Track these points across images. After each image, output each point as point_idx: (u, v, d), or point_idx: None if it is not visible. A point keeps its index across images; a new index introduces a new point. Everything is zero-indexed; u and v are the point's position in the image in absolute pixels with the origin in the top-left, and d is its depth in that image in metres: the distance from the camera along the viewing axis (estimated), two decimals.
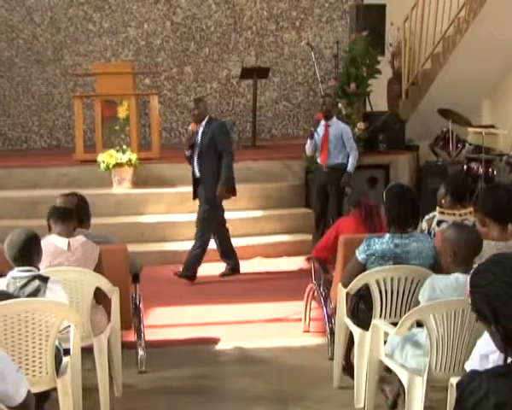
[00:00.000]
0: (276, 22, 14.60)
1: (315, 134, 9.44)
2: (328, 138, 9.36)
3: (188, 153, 8.77)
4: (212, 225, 8.72)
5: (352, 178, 9.42)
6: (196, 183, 8.81)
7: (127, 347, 5.96)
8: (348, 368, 5.57)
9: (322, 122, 9.46)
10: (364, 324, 5.13)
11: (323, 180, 9.51)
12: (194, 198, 8.86)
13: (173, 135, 14.70)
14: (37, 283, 4.40)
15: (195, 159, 8.72)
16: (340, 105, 10.66)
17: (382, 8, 12.12)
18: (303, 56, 14.49)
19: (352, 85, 10.90)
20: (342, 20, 14.46)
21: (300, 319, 6.89)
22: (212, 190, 8.59)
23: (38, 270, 4.54)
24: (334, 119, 9.52)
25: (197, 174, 8.74)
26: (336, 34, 14.30)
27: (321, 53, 14.26)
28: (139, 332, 6.07)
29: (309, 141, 9.51)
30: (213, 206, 8.67)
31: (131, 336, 6.12)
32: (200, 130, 8.67)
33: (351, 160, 9.38)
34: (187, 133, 9.12)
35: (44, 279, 4.43)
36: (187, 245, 9.35)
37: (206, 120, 8.69)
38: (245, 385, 5.77)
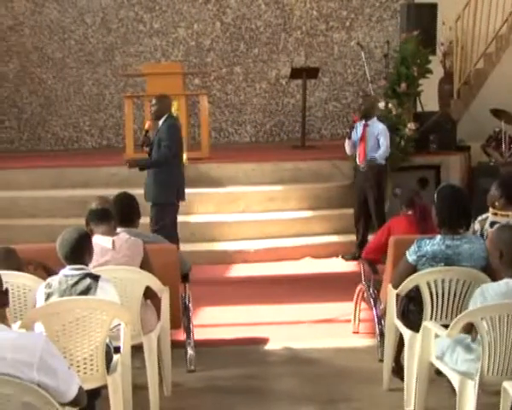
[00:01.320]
0: (325, 22, 14.54)
1: (353, 133, 9.42)
2: (366, 138, 9.31)
3: (147, 151, 8.41)
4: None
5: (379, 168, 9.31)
6: None
7: (176, 346, 5.97)
8: (398, 370, 5.53)
9: (363, 121, 9.41)
10: (415, 325, 5.08)
11: (361, 179, 9.48)
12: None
13: (223, 135, 14.74)
14: (88, 281, 4.44)
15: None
16: (390, 105, 10.58)
17: (434, 7, 11.98)
18: (353, 56, 14.40)
19: (403, 85, 10.80)
20: (393, 19, 14.34)
21: (350, 320, 6.85)
22: (161, 196, 8.23)
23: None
24: (374, 119, 9.43)
25: None
26: (387, 34, 14.19)
27: (371, 53, 14.16)
28: (188, 331, 6.10)
29: (347, 141, 9.49)
30: (165, 209, 8.29)
31: (181, 335, 6.15)
32: (158, 128, 8.34)
33: (380, 151, 9.26)
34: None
35: (95, 278, 4.48)
36: (236, 245, 9.42)
37: (164, 118, 8.27)
38: (293, 386, 5.76)
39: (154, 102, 8.38)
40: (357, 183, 9.68)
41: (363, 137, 9.34)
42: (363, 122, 9.37)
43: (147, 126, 8.45)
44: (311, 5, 14.49)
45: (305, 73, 12.90)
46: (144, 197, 8.22)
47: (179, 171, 8.42)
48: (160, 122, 8.27)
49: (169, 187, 8.22)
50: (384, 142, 9.28)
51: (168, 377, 5.57)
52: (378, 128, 9.33)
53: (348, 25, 14.53)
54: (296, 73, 13.04)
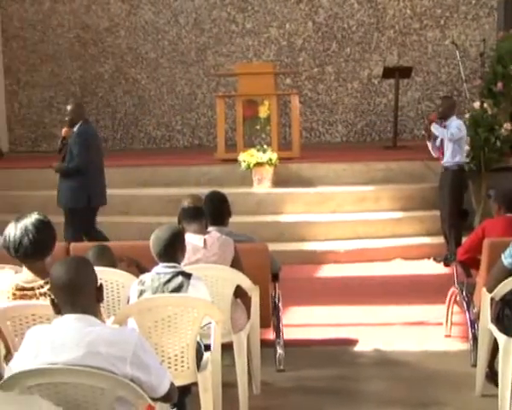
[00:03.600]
0: (419, 21, 14.32)
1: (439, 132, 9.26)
2: (443, 139, 9.15)
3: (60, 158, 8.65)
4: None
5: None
6: None
7: (266, 345, 5.97)
8: (492, 375, 5.40)
9: (442, 122, 9.25)
10: (510, 330, 4.96)
11: (441, 180, 9.34)
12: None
13: (313, 135, 14.71)
14: (180, 279, 4.47)
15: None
16: (485, 105, 10.35)
17: None
18: (447, 55, 14.14)
19: (499, 85, 10.57)
20: (489, 17, 14.01)
21: (442, 324, 6.73)
22: (72, 200, 8.45)
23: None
24: (453, 118, 9.19)
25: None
26: (483, 32, 13.87)
27: (466, 51, 13.88)
28: (278, 331, 6.09)
29: (428, 143, 9.33)
30: (75, 213, 8.46)
31: (270, 335, 6.15)
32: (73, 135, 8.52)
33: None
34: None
35: (187, 276, 4.51)
36: (326, 245, 9.38)
37: (78, 124, 8.47)
38: (383, 388, 5.69)
39: (68, 110, 8.65)
40: (439, 183, 9.53)
41: (441, 139, 9.18)
42: (442, 123, 9.22)
43: (63, 133, 8.68)
44: (405, 4, 14.30)
45: (397, 73, 12.74)
46: (57, 202, 8.61)
47: (92, 175, 8.53)
48: (75, 129, 8.47)
49: (79, 192, 8.43)
50: (450, 138, 9.06)
51: (257, 376, 5.58)
52: (451, 127, 9.13)
53: (443, 23, 14.27)
54: (389, 73, 12.90)
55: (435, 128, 9.16)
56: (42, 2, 15.20)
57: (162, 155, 13.39)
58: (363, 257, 9.34)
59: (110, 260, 5.11)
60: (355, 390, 5.67)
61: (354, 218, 9.95)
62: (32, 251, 3.98)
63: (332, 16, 14.48)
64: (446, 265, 8.77)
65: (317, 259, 9.28)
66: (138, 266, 5.27)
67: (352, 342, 6.60)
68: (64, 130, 8.72)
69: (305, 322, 7.15)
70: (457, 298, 6.44)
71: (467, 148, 9.55)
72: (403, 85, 13.73)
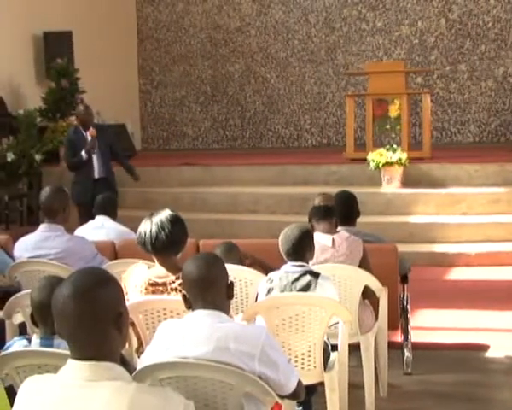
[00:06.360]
0: None
1: None
2: None
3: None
4: None
5: None
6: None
7: (393, 347, 5.89)
8: None
9: None
10: None
11: None
12: None
13: (444, 134, 14.43)
14: (308, 278, 4.46)
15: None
16: None
17: None
18: None
19: None
20: None
21: None
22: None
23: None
24: None
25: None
26: None
27: None
28: (406, 333, 6.00)
29: None
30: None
31: (397, 337, 6.06)
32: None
33: None
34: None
35: (315, 275, 4.49)
36: (457, 248, 9.18)
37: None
38: None
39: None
40: None
41: None
42: None
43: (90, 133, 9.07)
44: None
45: None
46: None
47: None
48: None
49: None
50: None
51: (384, 379, 5.51)
52: None
53: None
54: None
55: None
56: (175, 3, 15.56)
57: (290, 153, 13.45)
58: (495, 261, 9.07)
59: (237, 257, 5.15)
60: (485, 398, 5.51)
61: (486, 220, 9.68)
62: (167, 246, 4.07)
63: (466, 13, 14.16)
64: None
65: (448, 261, 9.09)
66: (261, 265, 5.29)
67: (483, 348, 6.41)
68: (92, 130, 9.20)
69: (433, 325, 7.01)
70: None
71: None
72: None
